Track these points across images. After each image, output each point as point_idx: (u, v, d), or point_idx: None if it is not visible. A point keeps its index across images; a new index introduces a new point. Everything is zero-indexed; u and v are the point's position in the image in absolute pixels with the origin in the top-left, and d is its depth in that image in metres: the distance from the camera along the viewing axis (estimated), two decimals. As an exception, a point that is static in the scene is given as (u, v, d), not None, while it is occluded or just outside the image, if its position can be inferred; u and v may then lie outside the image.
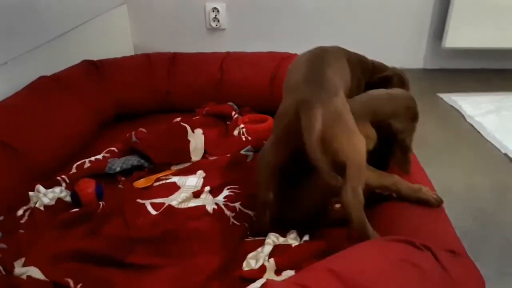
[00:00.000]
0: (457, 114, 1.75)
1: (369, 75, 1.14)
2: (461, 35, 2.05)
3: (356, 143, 0.82)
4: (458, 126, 1.67)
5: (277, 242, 0.89)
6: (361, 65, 1.12)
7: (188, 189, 1.05)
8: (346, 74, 1.00)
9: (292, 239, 0.91)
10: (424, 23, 2.17)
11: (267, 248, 0.86)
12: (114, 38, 2.03)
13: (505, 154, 1.45)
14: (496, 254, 1.04)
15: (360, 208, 0.80)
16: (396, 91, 1.07)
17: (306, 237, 0.91)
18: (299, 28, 2.13)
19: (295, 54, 1.56)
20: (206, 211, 0.98)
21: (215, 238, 0.90)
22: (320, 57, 0.96)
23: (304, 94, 0.81)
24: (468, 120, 1.69)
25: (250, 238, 0.93)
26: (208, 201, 1.02)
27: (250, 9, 2.14)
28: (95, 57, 1.51)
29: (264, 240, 0.89)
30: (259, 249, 0.87)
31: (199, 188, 1.07)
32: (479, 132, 1.60)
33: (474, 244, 1.03)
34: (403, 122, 0.99)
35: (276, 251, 0.86)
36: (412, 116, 1.02)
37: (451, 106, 1.82)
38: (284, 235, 0.92)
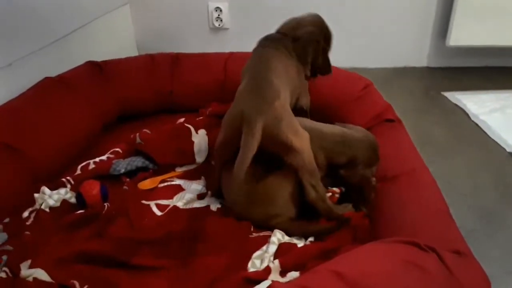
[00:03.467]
0: (462, 113, 1.75)
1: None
2: (465, 33, 2.04)
3: (301, 143, 0.92)
4: (462, 124, 1.67)
5: (282, 240, 0.90)
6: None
7: (193, 191, 1.06)
8: (290, 71, 1.08)
9: (297, 239, 0.91)
10: (427, 21, 2.16)
11: (272, 248, 0.87)
12: (117, 38, 2.03)
13: (510, 153, 1.44)
14: (502, 254, 1.04)
15: (323, 200, 0.94)
16: (353, 131, 1.02)
17: (311, 238, 0.91)
18: (302, 27, 2.13)
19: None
20: (211, 210, 0.99)
21: (220, 236, 0.91)
22: (264, 61, 1.04)
23: (247, 104, 0.91)
24: (473, 118, 1.68)
25: (255, 234, 0.93)
26: (212, 201, 1.02)
27: (253, 8, 2.14)
28: (98, 58, 1.51)
29: (269, 236, 0.90)
30: (264, 248, 0.87)
31: (204, 191, 1.07)
32: (483, 130, 1.60)
33: (479, 244, 1.02)
34: (357, 171, 0.98)
35: (281, 251, 0.86)
36: (370, 163, 0.99)
37: (456, 104, 1.81)
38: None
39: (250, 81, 0.99)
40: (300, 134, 0.93)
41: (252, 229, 0.94)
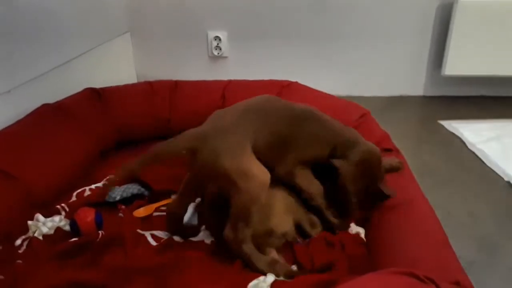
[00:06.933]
0: (459, 142, 1.75)
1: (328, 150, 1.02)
2: (460, 62, 2.07)
3: (247, 183, 0.85)
4: (459, 153, 1.67)
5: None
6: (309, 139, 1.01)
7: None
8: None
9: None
10: (423, 51, 2.19)
11: (270, 278, 0.85)
12: (117, 66, 2.06)
13: (508, 182, 1.44)
14: (502, 285, 1.02)
15: (238, 244, 0.88)
16: None
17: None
18: (299, 57, 2.16)
19: (295, 82, 1.58)
20: (205, 243, 0.98)
21: (215, 266, 0.89)
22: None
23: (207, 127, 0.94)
24: (470, 147, 1.69)
25: None
26: (206, 235, 1.01)
27: (251, 37, 2.17)
28: (98, 85, 1.52)
29: None
30: (261, 278, 0.86)
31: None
32: (481, 159, 1.60)
33: (480, 275, 1.01)
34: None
35: (278, 282, 0.85)
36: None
37: (452, 133, 1.82)
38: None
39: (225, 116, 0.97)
40: (250, 176, 0.86)
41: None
